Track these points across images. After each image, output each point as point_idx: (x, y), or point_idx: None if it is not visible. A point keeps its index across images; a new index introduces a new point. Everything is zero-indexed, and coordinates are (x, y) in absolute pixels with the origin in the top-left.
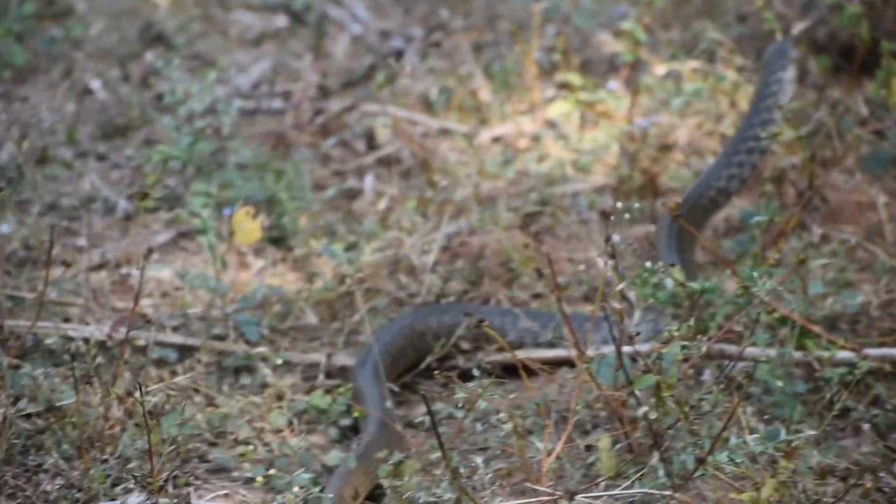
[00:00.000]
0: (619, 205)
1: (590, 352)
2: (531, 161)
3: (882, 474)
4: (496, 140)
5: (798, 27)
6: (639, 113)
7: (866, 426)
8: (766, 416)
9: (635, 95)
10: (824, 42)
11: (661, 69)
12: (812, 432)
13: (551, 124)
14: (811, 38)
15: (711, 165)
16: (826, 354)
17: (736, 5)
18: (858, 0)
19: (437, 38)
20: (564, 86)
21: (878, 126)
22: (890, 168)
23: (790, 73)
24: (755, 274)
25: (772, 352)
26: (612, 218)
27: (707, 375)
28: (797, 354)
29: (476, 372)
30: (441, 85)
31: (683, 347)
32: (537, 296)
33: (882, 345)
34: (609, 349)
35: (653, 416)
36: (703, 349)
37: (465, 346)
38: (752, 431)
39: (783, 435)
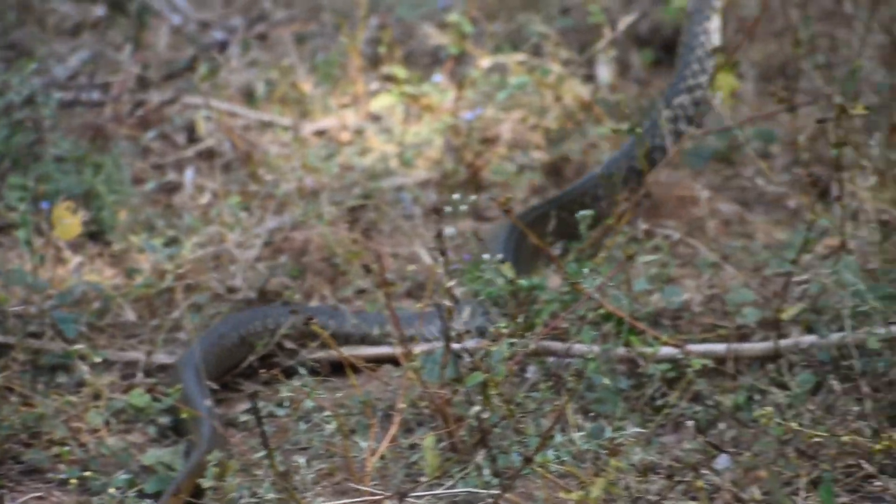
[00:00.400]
0: (455, 198)
1: (417, 349)
2: (354, 155)
3: (704, 471)
4: (319, 133)
5: (625, 21)
6: (464, 106)
7: (689, 422)
8: (590, 414)
9: (460, 88)
10: (647, 35)
11: (485, 62)
12: (637, 429)
13: (375, 117)
14: (634, 32)
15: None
16: (649, 350)
17: None
18: None
19: (260, 30)
20: (389, 78)
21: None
22: (711, 163)
23: (715, 23)
24: (583, 270)
25: (596, 348)
26: (442, 212)
27: (531, 372)
28: (621, 350)
29: (301, 370)
30: (264, 77)
31: (511, 345)
32: (362, 292)
33: (704, 340)
34: (435, 346)
35: (485, 414)
36: (533, 346)
37: (290, 344)
38: (578, 429)
39: (608, 432)
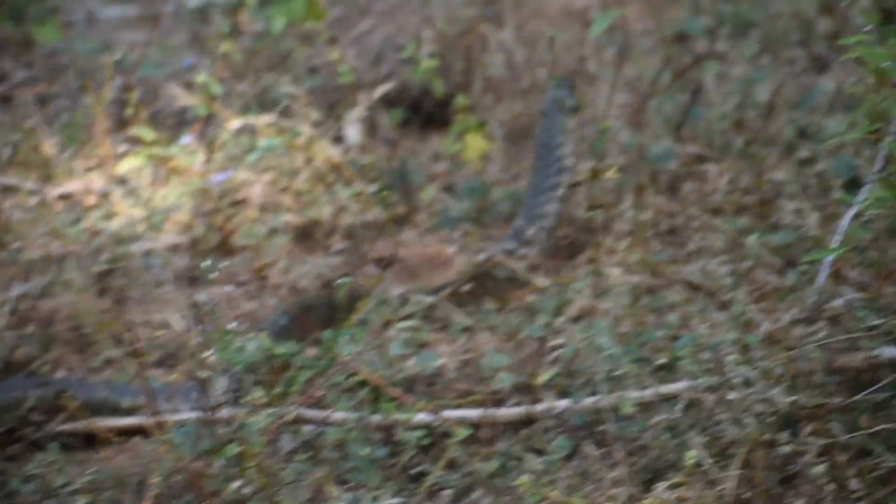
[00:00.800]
0: (206, 263)
1: (170, 420)
2: (101, 219)
3: None
4: (65, 197)
5: (382, 88)
6: (213, 168)
7: (444, 491)
8: (347, 483)
9: (209, 150)
10: (395, 96)
11: (234, 123)
12: (394, 499)
13: (122, 180)
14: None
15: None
16: (404, 417)
17: (307, 58)
18: (427, 54)
19: (1, 91)
20: (136, 140)
21: (451, 181)
22: (461, 224)
23: (568, 122)
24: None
25: (352, 415)
26: (194, 279)
27: (286, 441)
28: (377, 418)
29: (49, 444)
30: (6, 140)
31: (268, 415)
32: (112, 361)
33: (459, 406)
34: (190, 416)
35: (242, 487)
36: (290, 415)
37: (37, 417)
38: (336, 500)
39: (366, 503)
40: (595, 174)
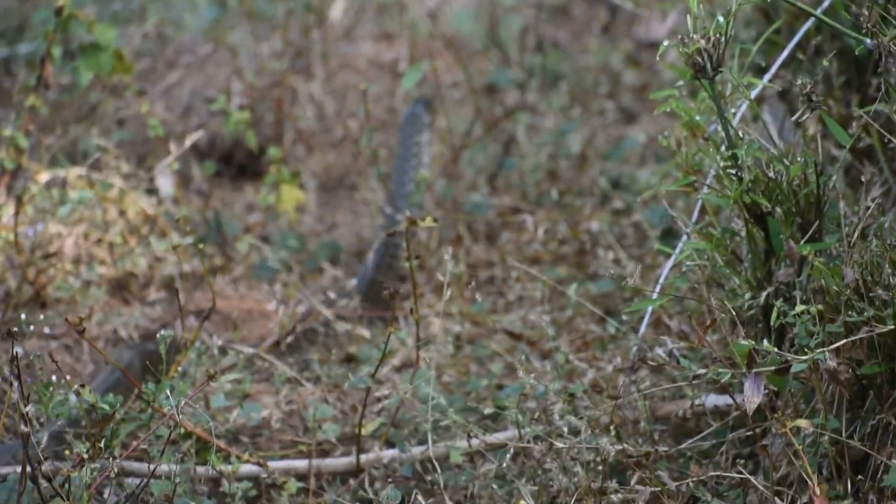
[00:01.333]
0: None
1: None
2: None
3: None
4: None
5: (191, 138)
6: (24, 222)
7: None
8: None
9: (19, 204)
10: (206, 148)
11: (44, 176)
12: None
13: None
14: (194, 144)
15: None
16: (230, 468)
17: (115, 110)
18: (237, 106)
19: None
20: None
21: (266, 232)
22: (278, 275)
23: (426, 137)
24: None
25: (177, 468)
26: (9, 333)
27: (110, 495)
28: (202, 469)
29: None
30: None
31: (92, 470)
32: None
33: (285, 457)
34: (10, 471)
35: None
36: (115, 469)
37: None
38: None
39: None
40: (413, 223)
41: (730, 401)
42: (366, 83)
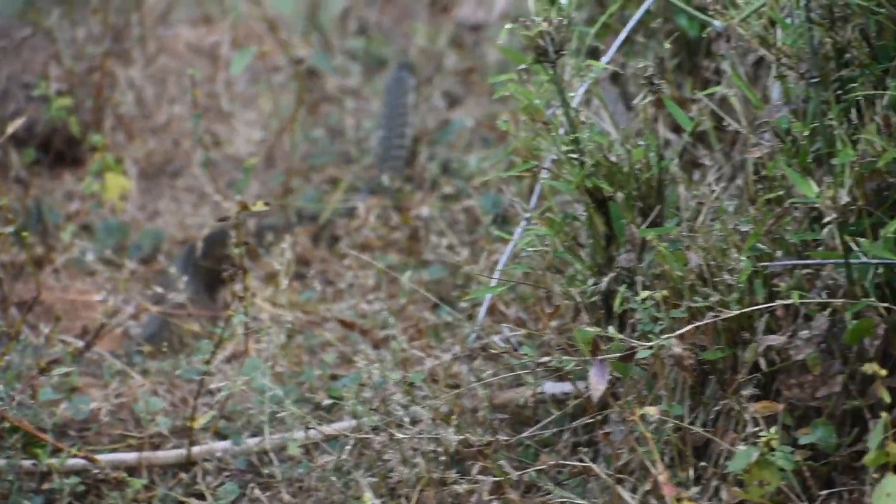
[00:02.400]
0: None
1: None
2: None
3: None
4: None
5: (13, 125)
6: None
7: None
8: None
9: None
10: (24, 134)
11: None
12: None
13: None
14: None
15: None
16: (56, 462)
17: None
18: (56, 92)
19: None
20: None
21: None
22: (101, 265)
23: (412, 99)
24: None
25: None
26: None
27: None
28: (27, 463)
29: None
30: None
31: None
32: None
33: (114, 450)
34: None
35: None
36: None
37: None
38: None
39: None
40: (244, 208)
41: (568, 388)
42: (191, 69)
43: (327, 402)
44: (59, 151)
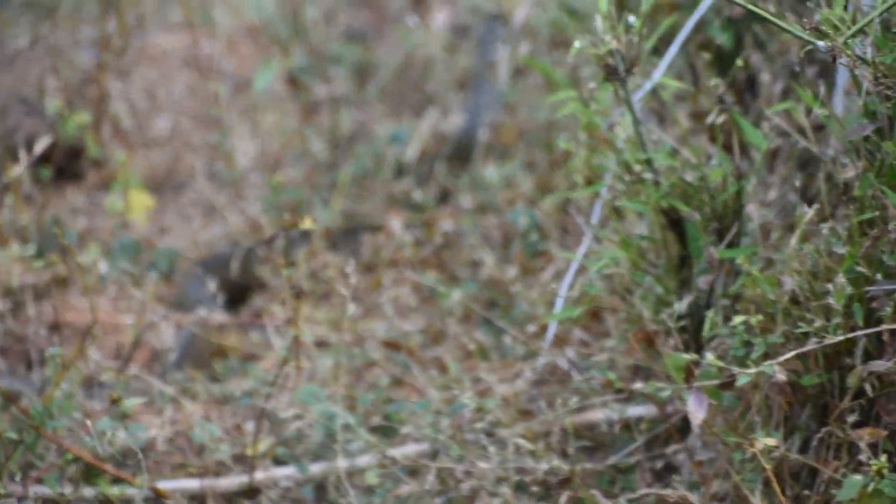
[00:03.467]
0: None
1: None
2: None
3: None
4: None
5: (41, 145)
6: None
7: None
8: None
9: None
10: (26, 150)
11: None
12: None
13: None
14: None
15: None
16: (116, 492)
17: None
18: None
19: None
20: None
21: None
22: (124, 284)
23: (501, 52)
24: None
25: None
26: None
27: None
28: (89, 493)
29: None
30: None
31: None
32: None
33: (175, 478)
34: None
35: None
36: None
37: None
38: None
39: None
40: (293, 226)
41: (646, 412)
42: (217, 84)
43: (388, 426)
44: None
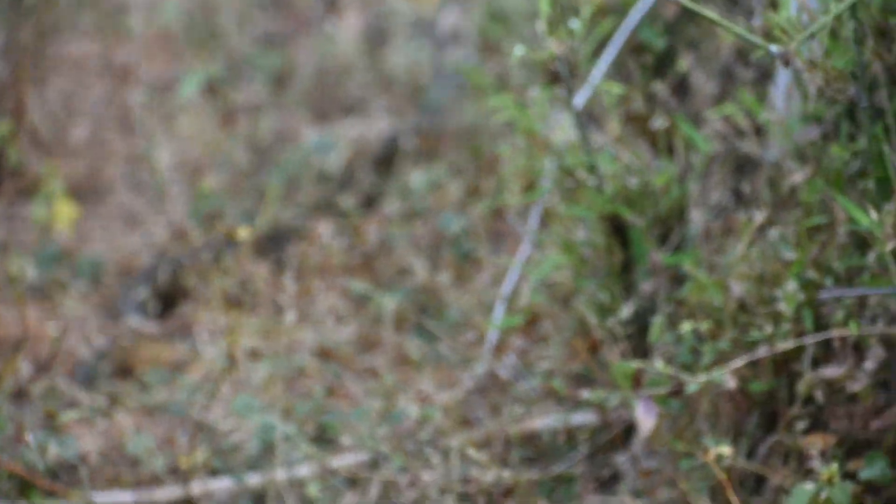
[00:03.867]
0: None
1: None
2: None
3: None
4: None
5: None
6: None
7: None
8: None
9: None
10: None
11: None
12: None
13: None
14: None
15: None
16: None
17: None
18: None
19: None
20: None
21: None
22: (47, 295)
23: None
24: None
25: None
26: None
27: None
28: None
29: None
30: None
31: None
32: None
33: (110, 490)
34: None
35: None
36: None
37: None
38: None
39: None
40: (231, 236)
41: (589, 419)
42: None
43: (328, 436)
44: None
